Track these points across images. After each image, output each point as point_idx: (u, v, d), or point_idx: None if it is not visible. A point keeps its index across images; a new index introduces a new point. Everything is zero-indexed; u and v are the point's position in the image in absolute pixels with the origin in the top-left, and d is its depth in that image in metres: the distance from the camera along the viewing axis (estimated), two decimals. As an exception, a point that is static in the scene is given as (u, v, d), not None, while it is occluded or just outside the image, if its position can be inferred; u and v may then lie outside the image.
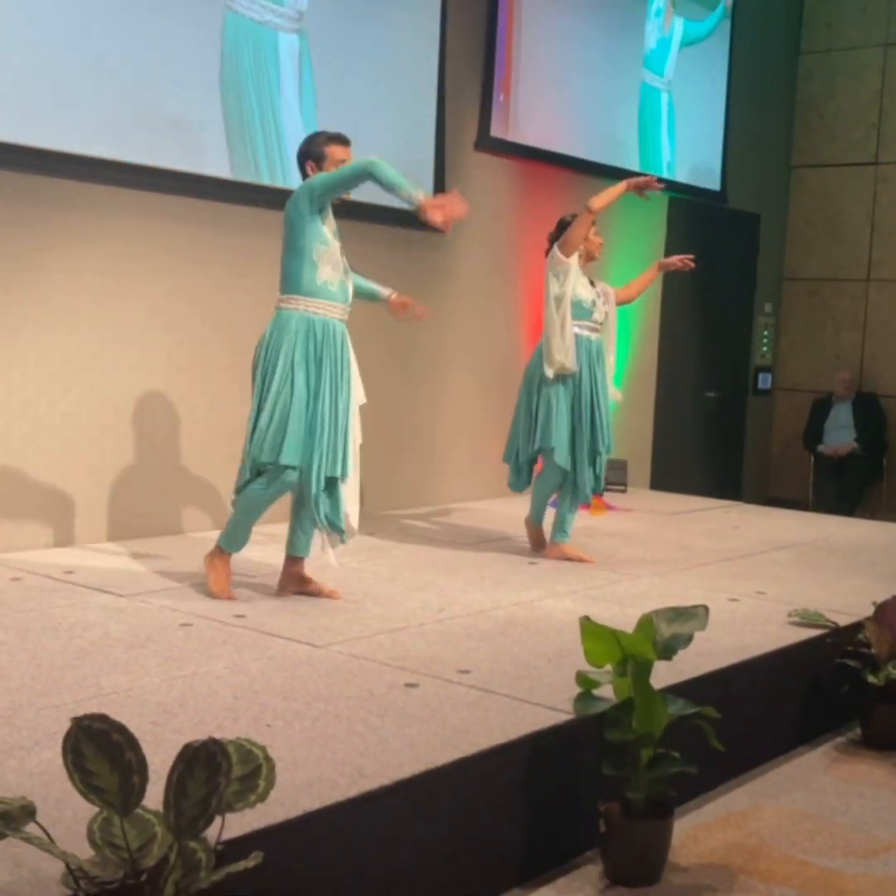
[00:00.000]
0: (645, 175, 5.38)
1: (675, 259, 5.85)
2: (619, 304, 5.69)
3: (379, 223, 6.38)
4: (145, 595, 4.35)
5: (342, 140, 4.38)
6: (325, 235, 4.29)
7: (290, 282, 4.30)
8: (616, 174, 6.95)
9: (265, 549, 5.06)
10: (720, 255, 8.99)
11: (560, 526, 5.45)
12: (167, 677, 3.36)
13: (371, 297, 4.82)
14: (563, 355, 5.26)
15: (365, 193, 6.18)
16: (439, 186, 6.68)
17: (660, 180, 5.33)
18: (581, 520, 6.02)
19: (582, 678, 3.18)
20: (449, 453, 7.06)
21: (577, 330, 5.32)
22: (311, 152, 4.35)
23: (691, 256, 5.82)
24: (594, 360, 5.38)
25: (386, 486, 6.63)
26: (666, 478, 8.66)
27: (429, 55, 6.51)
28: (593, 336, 5.41)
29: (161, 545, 5.31)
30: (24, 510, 5.11)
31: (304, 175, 4.35)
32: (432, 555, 5.43)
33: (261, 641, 3.81)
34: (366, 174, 4.11)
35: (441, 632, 4.02)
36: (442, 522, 6.34)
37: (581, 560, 5.36)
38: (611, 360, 5.55)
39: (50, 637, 3.73)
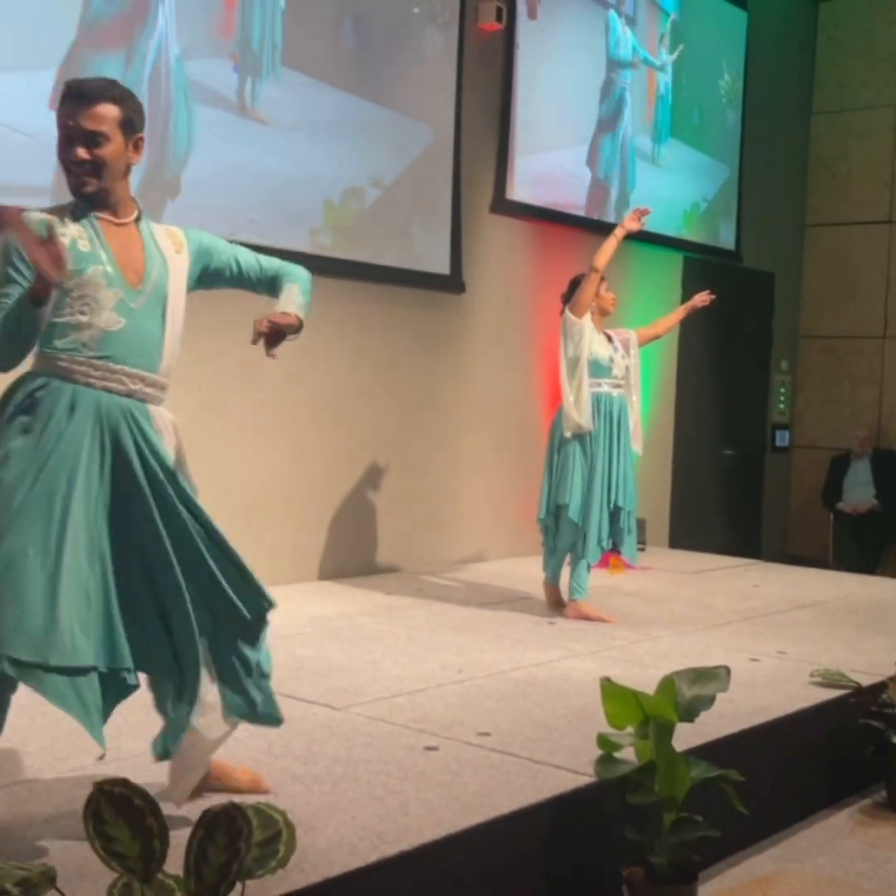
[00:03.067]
0: (630, 215, 5.42)
1: (696, 300, 5.93)
2: (644, 342, 5.77)
3: (394, 284, 6.44)
4: (164, 657, 4.34)
5: (69, 93, 2.67)
6: None
7: None
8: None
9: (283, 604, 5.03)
10: (735, 314, 9.03)
11: (575, 583, 5.43)
12: (186, 740, 3.34)
13: None
14: (579, 416, 5.31)
15: (383, 255, 6.30)
16: (456, 247, 6.75)
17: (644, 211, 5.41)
18: (600, 579, 6.01)
19: (603, 740, 3.15)
20: (466, 512, 7.06)
21: (596, 388, 5.38)
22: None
23: (708, 292, 5.93)
24: (614, 417, 5.42)
25: (403, 545, 6.63)
26: (684, 536, 8.63)
27: (445, 119, 6.61)
28: (615, 392, 5.46)
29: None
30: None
31: None
32: (450, 614, 5.41)
33: (282, 703, 3.78)
34: None
35: (460, 693, 4.00)
36: (460, 581, 6.33)
37: (600, 619, 5.34)
38: (636, 407, 5.58)
39: (69, 700, 3.72)
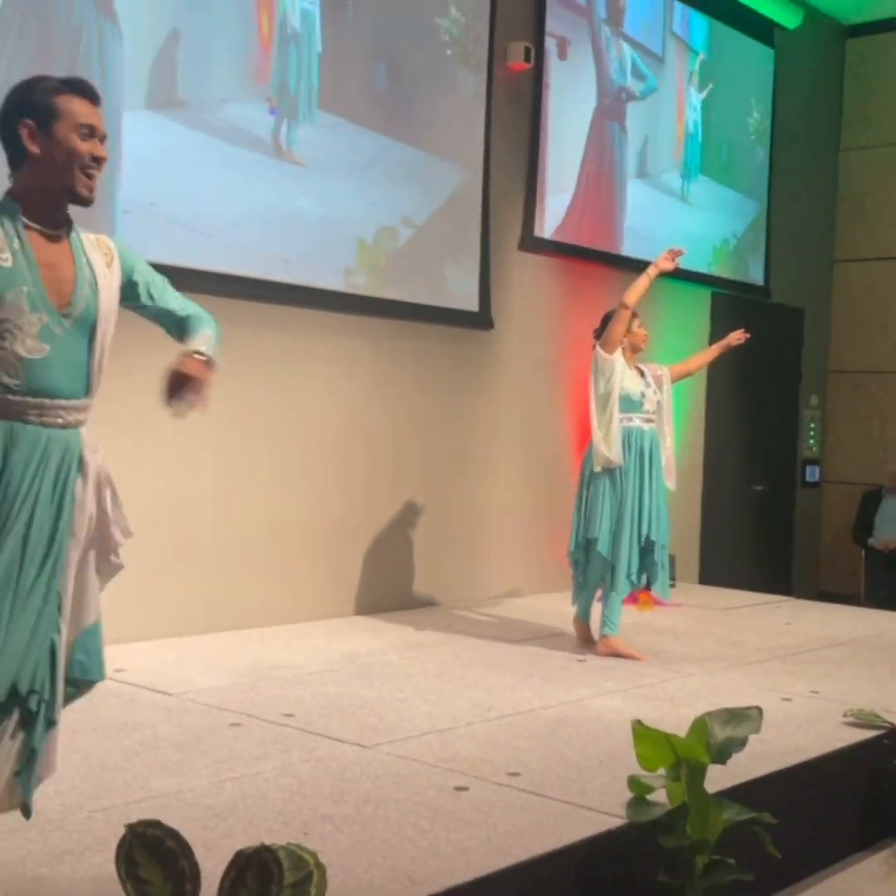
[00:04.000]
0: (665, 254, 5.41)
1: (731, 338, 5.93)
2: (677, 379, 5.80)
3: (424, 321, 6.48)
4: (194, 694, 4.35)
5: (84, 88, 2.53)
6: None
7: None
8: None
9: (314, 640, 5.05)
10: (765, 349, 9.00)
11: (607, 619, 5.41)
12: (217, 779, 3.35)
13: None
14: (609, 450, 5.32)
15: (415, 294, 6.33)
16: (484, 284, 6.79)
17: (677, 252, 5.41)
18: (629, 615, 5.98)
19: (634, 783, 3.14)
20: (496, 547, 7.05)
21: (627, 423, 5.39)
22: (28, 104, 2.47)
23: (742, 331, 5.93)
24: (645, 451, 5.43)
25: (436, 581, 6.63)
26: (715, 572, 8.58)
27: (475, 158, 6.66)
28: (646, 427, 5.46)
29: (209, 643, 5.32)
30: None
31: (7, 139, 2.50)
32: (480, 651, 5.39)
33: (309, 742, 3.79)
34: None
35: (490, 732, 3.98)
36: (489, 617, 6.32)
37: (631, 656, 5.31)
38: (669, 442, 5.59)
39: (100, 737, 3.74)
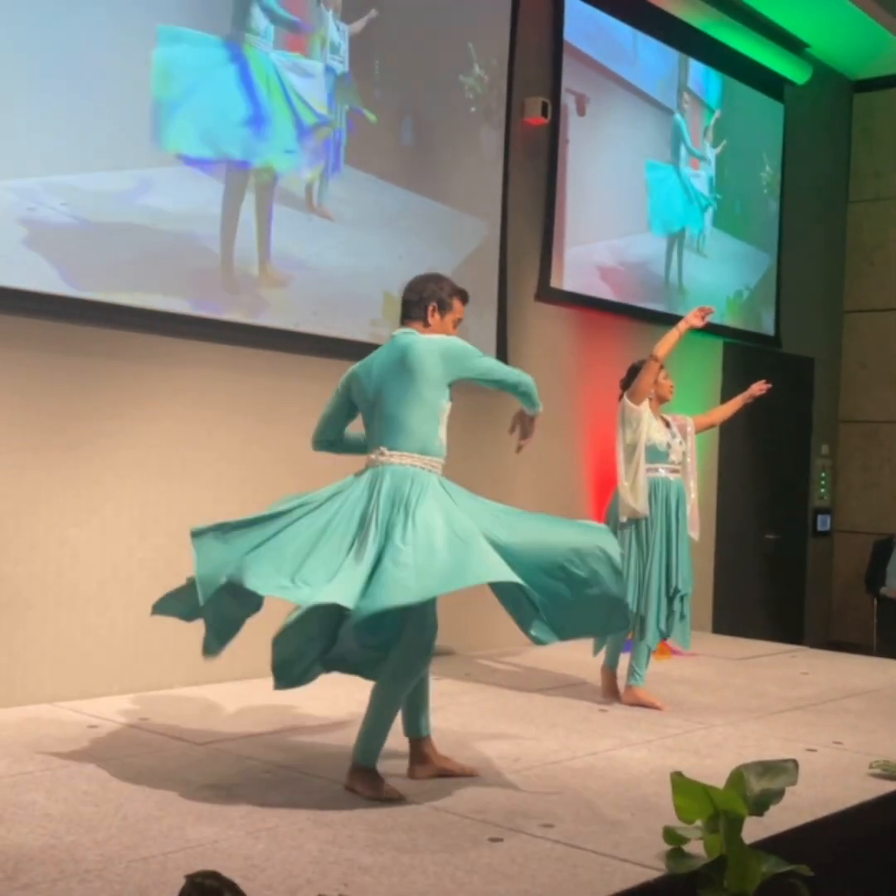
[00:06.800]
0: (695, 312, 5.48)
1: (754, 389, 6.02)
2: (700, 430, 5.88)
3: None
4: (221, 743, 4.36)
5: (466, 296, 4.12)
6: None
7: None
8: (671, 320, 7.10)
9: (335, 689, 5.05)
10: (775, 399, 9.01)
11: (634, 669, 5.43)
12: (252, 829, 3.36)
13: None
14: (635, 501, 5.36)
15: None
16: (502, 336, 6.85)
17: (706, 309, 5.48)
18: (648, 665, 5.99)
19: (670, 834, 3.15)
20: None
21: (653, 473, 5.43)
22: (437, 296, 4.00)
23: (764, 381, 6.05)
24: (671, 501, 5.47)
25: (450, 630, 6.60)
26: (727, 621, 8.59)
27: (496, 212, 6.76)
28: (672, 477, 5.51)
29: (230, 692, 5.32)
30: (99, 656, 5.17)
31: (416, 317, 4.00)
32: (501, 701, 5.40)
33: (340, 793, 3.79)
34: (519, 388, 4.15)
35: (519, 783, 3.98)
36: (507, 666, 6.32)
37: (653, 706, 5.32)
38: (693, 493, 5.64)
39: (132, 787, 3.74)
